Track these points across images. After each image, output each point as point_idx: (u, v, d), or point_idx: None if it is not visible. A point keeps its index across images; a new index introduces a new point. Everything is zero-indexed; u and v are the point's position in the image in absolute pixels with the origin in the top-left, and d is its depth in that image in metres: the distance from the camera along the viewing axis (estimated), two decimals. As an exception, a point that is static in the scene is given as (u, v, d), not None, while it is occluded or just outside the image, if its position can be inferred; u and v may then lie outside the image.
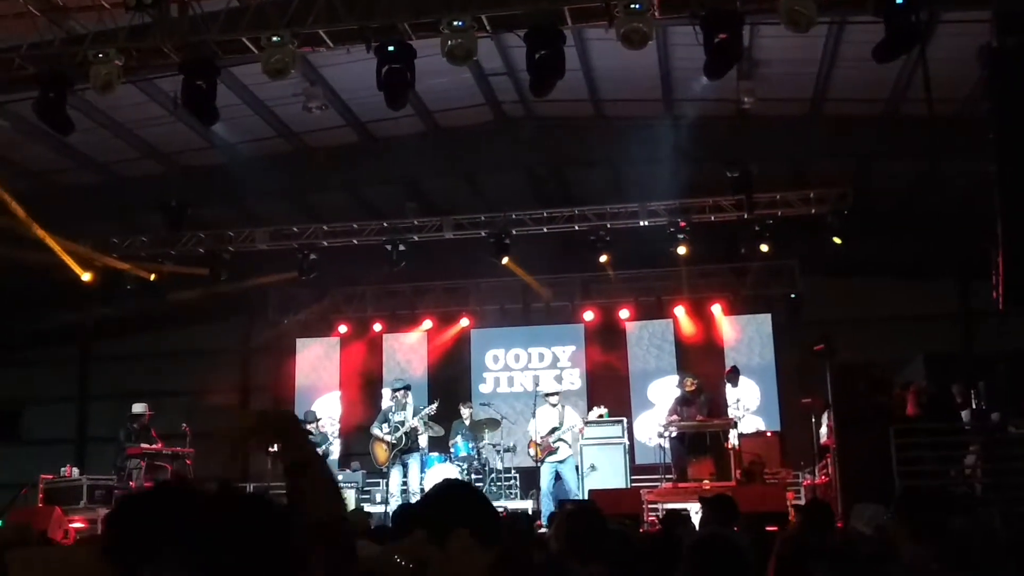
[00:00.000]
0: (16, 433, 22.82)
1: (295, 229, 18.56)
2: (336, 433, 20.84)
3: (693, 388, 15.74)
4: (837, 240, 16.89)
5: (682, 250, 17.69)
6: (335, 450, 20.52)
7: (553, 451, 15.25)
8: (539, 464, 15.43)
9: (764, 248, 17.51)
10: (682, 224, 17.44)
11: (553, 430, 15.32)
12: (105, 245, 18.38)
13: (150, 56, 11.68)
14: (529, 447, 15.73)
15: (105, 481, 15.06)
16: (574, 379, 20.49)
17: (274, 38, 10.90)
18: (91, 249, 17.99)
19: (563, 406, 15.84)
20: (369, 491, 16.97)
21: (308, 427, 15.75)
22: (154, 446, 15.26)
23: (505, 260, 18.14)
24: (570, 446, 15.35)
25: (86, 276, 17.84)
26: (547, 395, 15.93)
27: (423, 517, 2.71)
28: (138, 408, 15.56)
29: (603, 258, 18.06)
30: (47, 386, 23.06)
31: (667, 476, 15.20)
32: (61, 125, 11.98)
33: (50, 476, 15.26)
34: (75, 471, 15.53)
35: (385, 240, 18.26)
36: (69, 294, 19.50)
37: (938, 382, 14.32)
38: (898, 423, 12.20)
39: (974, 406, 13.07)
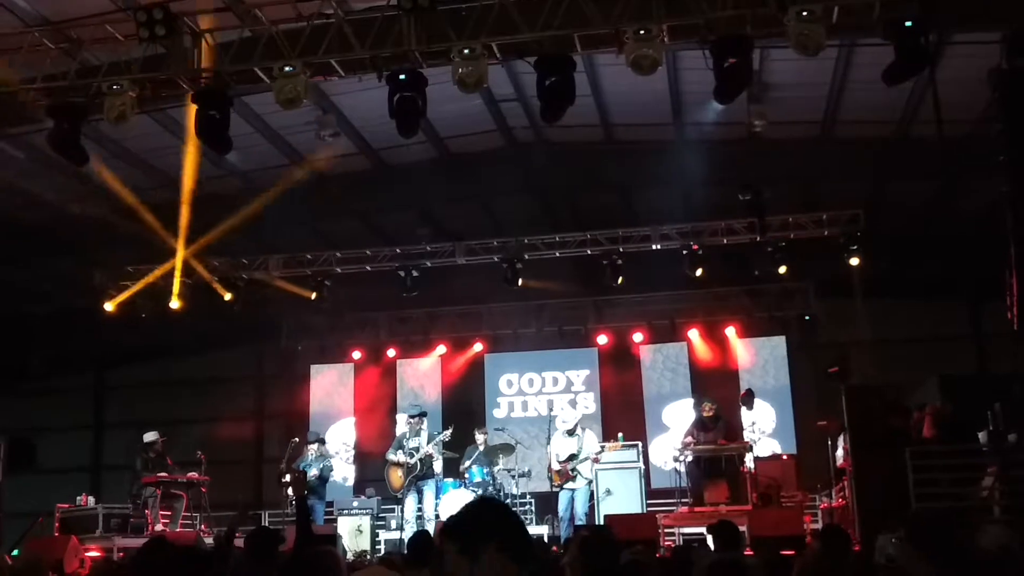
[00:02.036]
0: (32, 461, 22.85)
1: (309, 256, 18.62)
2: (351, 459, 20.87)
3: (711, 413, 15.64)
4: (855, 261, 16.80)
5: (695, 273, 17.63)
6: (350, 475, 20.56)
7: (572, 478, 15.22)
8: (558, 490, 15.41)
9: (782, 270, 17.38)
10: (695, 247, 17.38)
11: (572, 456, 15.28)
12: (121, 273, 18.46)
13: (164, 87, 11.77)
14: (548, 472, 15.69)
15: (121, 510, 15.06)
16: (588, 403, 20.46)
17: (286, 68, 10.97)
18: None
19: (583, 429, 15.80)
20: (384, 517, 16.94)
21: (311, 447, 15.91)
22: (171, 475, 15.26)
23: (520, 282, 18.08)
24: (584, 476, 15.33)
25: (108, 306, 18.01)
26: (564, 422, 15.87)
27: (455, 531, 2.71)
28: (149, 436, 15.56)
29: (616, 281, 18.00)
30: (63, 414, 23.17)
31: (683, 500, 15.13)
32: (76, 156, 12.07)
33: (66, 505, 15.28)
34: (91, 500, 15.53)
35: (398, 266, 18.30)
36: (84, 323, 19.60)
37: (954, 403, 14.25)
38: (914, 445, 12.14)
39: (991, 427, 12.98)
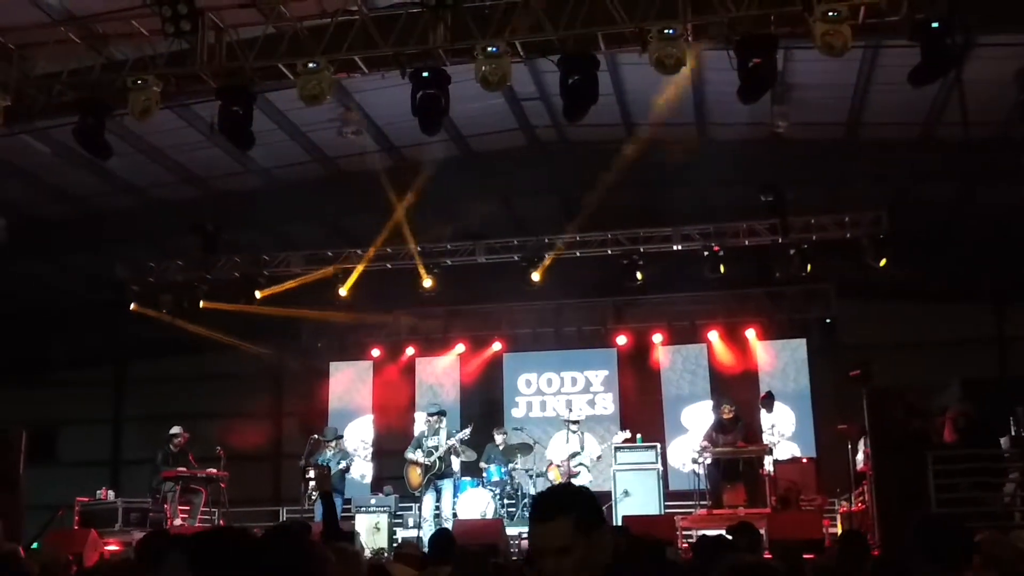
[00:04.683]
0: (52, 455, 22.99)
1: (329, 253, 18.63)
2: (369, 457, 20.87)
3: (731, 415, 15.61)
4: (882, 263, 16.64)
5: (716, 274, 17.53)
6: (368, 472, 20.56)
7: (575, 475, 15.23)
8: None
9: (806, 271, 17.19)
10: (716, 248, 17.30)
11: (573, 455, 15.32)
12: (142, 269, 18.53)
13: (188, 82, 11.81)
14: (548, 470, 15.70)
15: (140, 504, 15.14)
16: (607, 404, 20.40)
17: (310, 64, 10.99)
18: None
19: (583, 432, 15.87)
20: (402, 515, 16.94)
21: (329, 445, 15.89)
22: (190, 470, 15.33)
23: (538, 280, 18.00)
24: (589, 471, 15.34)
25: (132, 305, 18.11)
26: (569, 422, 15.90)
27: (575, 506, 2.96)
28: (175, 430, 15.68)
29: (636, 282, 17.91)
30: (83, 408, 23.25)
31: (701, 502, 15.09)
32: (100, 150, 12.12)
33: (86, 499, 15.35)
34: (110, 494, 15.60)
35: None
36: (105, 316, 19.68)
37: (976, 408, 14.14)
38: (935, 449, 12.06)
39: (1013, 432, 12.89)
